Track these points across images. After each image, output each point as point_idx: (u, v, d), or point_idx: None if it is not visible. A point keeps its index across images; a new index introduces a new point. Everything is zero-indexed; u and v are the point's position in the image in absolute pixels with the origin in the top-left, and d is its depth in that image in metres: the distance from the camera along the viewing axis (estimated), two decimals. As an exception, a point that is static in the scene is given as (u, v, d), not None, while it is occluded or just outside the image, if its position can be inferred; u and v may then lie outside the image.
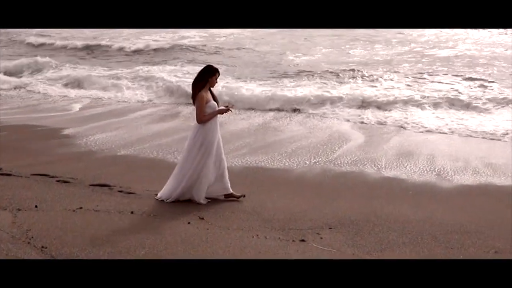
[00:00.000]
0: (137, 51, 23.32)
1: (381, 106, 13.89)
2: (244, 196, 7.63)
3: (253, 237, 6.24)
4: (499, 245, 6.26)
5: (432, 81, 16.50)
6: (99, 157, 10.01)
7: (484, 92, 15.01)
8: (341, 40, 24.63)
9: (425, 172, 9.24)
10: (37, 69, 19.50)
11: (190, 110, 14.13)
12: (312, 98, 14.38)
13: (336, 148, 10.62)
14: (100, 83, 17.26)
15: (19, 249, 5.53)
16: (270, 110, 14.04)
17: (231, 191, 7.61)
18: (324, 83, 16.64)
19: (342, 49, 22.85)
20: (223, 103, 8.28)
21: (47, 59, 20.77)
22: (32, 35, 27.49)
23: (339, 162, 9.75)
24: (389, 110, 13.59)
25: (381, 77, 17.01)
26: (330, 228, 6.65)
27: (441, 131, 12.01)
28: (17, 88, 17.52)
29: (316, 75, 17.64)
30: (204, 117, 7.30)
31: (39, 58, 20.55)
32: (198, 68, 18.71)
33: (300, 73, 18.05)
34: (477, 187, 8.56)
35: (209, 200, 7.46)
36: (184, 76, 17.74)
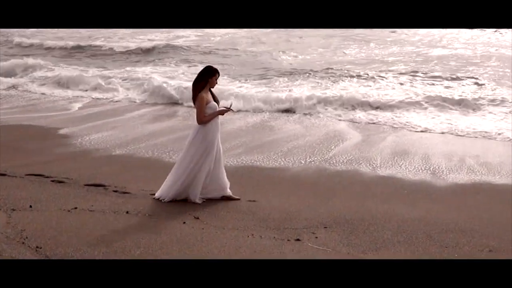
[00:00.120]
0: (130, 51, 23.20)
1: (375, 106, 13.85)
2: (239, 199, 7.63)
3: (248, 236, 6.24)
4: (493, 244, 6.28)
5: (426, 81, 16.55)
6: (94, 157, 9.99)
7: (477, 91, 15.09)
8: (335, 39, 24.68)
9: (420, 171, 9.27)
10: (28, 70, 19.39)
11: (184, 110, 14.18)
12: (306, 98, 14.33)
13: (332, 147, 10.64)
14: (90, 83, 17.15)
15: (13, 249, 5.51)
16: (265, 111, 13.97)
17: (229, 192, 7.61)
18: (318, 83, 16.66)
19: (337, 48, 22.89)
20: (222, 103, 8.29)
21: (38, 60, 20.74)
22: (21, 35, 27.36)
23: (334, 161, 9.76)
24: (383, 110, 13.57)
25: (375, 77, 17.05)
26: (325, 227, 6.66)
27: (436, 131, 12.05)
28: (11, 89, 17.45)
29: (310, 74, 17.67)
30: (204, 118, 7.29)
31: (30, 59, 20.49)
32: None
33: (294, 73, 18.06)
34: (471, 186, 8.59)
35: (204, 200, 7.45)
36: (176, 77, 17.70)
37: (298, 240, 6.21)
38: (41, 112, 14.09)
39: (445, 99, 14.08)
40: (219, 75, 7.48)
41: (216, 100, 7.46)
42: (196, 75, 7.49)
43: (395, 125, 12.53)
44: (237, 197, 7.60)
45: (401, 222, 6.87)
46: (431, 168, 9.37)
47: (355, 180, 8.80)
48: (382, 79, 16.78)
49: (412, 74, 17.41)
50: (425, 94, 14.60)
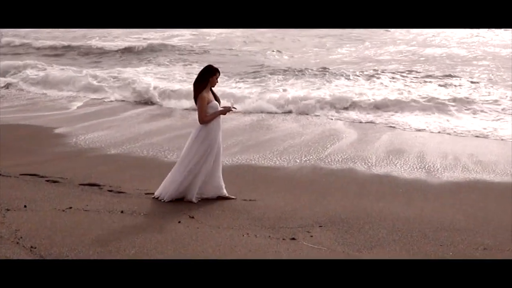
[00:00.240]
0: (121, 50, 23.14)
1: (369, 105, 13.82)
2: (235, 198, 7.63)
3: (243, 235, 6.24)
4: (488, 242, 6.30)
5: (420, 80, 16.59)
6: (89, 156, 9.97)
7: (471, 90, 15.15)
8: (330, 39, 24.70)
9: (415, 169, 9.28)
10: (19, 70, 19.29)
11: (178, 110, 14.19)
12: (300, 98, 14.31)
13: (327, 146, 10.65)
14: (80, 82, 17.08)
15: (7, 249, 5.49)
16: (261, 111, 13.92)
17: (225, 192, 7.60)
18: (312, 82, 16.68)
19: (331, 48, 22.91)
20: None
21: (31, 59, 20.71)
22: (11, 35, 27.28)
23: (330, 160, 9.77)
24: (378, 110, 13.55)
25: (368, 76, 17.06)
26: (321, 226, 6.66)
27: (430, 130, 12.08)
28: (5, 88, 17.39)
29: (304, 74, 17.68)
30: (206, 118, 7.28)
31: (20, 60, 20.46)
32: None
33: (288, 72, 18.06)
34: (466, 185, 8.61)
35: (200, 199, 7.44)
36: (168, 78, 17.69)
37: (293, 239, 6.21)
38: (36, 112, 14.06)
39: (438, 99, 14.08)
40: (219, 74, 7.47)
41: (217, 99, 7.46)
42: (196, 75, 7.48)
43: (389, 125, 12.54)
44: (232, 197, 7.60)
45: (396, 221, 6.88)
46: (426, 167, 9.39)
47: (351, 179, 8.81)
48: (376, 78, 16.79)
49: (406, 73, 17.47)
50: (419, 94, 14.64)
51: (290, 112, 13.82)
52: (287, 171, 9.19)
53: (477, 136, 11.57)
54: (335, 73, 17.62)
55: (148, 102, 15.18)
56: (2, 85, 17.61)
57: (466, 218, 7.10)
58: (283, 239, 6.19)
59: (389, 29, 25.94)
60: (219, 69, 7.54)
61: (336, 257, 5.76)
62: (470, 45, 22.93)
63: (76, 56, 23.01)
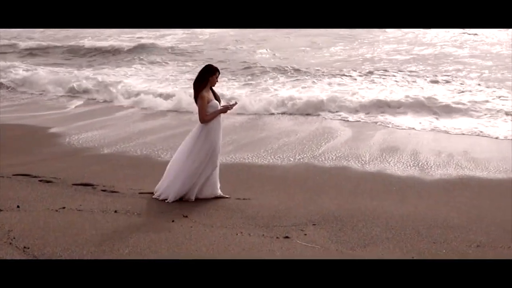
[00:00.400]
0: (111, 50, 23.03)
1: (362, 105, 13.73)
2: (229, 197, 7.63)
3: (237, 234, 6.24)
4: (481, 239, 6.32)
5: (412, 79, 16.59)
6: (83, 156, 9.95)
7: (462, 90, 15.19)
8: (325, 38, 24.69)
9: (409, 167, 9.31)
10: (5, 70, 19.18)
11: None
12: (292, 98, 14.28)
13: (322, 145, 10.67)
14: (66, 84, 17.00)
15: (0, 249, 5.46)
16: (255, 112, 13.82)
17: (220, 192, 7.61)
18: (303, 81, 16.66)
19: (323, 47, 22.90)
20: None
21: (19, 59, 20.68)
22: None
23: (324, 158, 9.78)
24: (371, 109, 13.48)
25: (362, 76, 17.06)
26: (314, 224, 6.66)
27: (423, 128, 12.11)
28: None
29: (298, 73, 17.68)
30: (206, 117, 7.27)
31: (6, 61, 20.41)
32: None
33: (279, 72, 18.05)
34: (459, 182, 8.64)
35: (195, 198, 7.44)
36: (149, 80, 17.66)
37: (287, 237, 6.21)
38: (29, 112, 14.01)
39: (431, 98, 14.07)
40: (219, 74, 7.47)
41: (217, 98, 7.45)
42: (196, 74, 7.47)
43: (383, 124, 12.56)
44: (226, 196, 7.60)
45: (390, 219, 6.89)
46: (419, 165, 9.42)
47: (344, 177, 8.83)
48: (369, 78, 16.79)
49: (398, 72, 17.44)
50: (411, 93, 14.64)
51: (283, 113, 13.71)
52: (281, 170, 9.19)
53: (469, 134, 11.61)
54: (327, 72, 17.60)
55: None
56: None
57: (459, 215, 7.12)
58: (277, 237, 6.19)
59: (382, 30, 25.98)
60: (219, 69, 7.54)
61: (329, 255, 5.76)
62: (461, 44, 23.00)
63: (65, 55, 22.90)
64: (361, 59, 20.17)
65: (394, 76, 17.07)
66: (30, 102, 15.47)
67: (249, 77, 17.52)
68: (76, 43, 24.78)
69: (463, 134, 11.66)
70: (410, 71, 17.72)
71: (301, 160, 9.73)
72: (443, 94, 14.57)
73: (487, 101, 13.80)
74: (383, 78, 16.80)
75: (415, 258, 5.78)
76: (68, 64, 21.04)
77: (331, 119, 13.09)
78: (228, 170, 8.95)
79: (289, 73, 17.80)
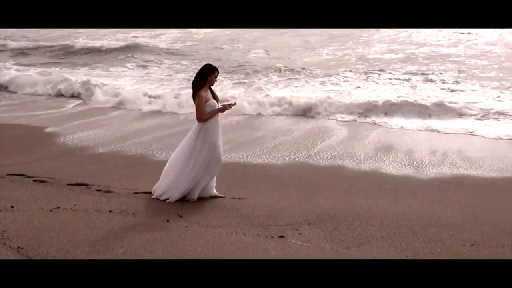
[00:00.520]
0: (103, 50, 22.87)
1: (356, 106, 13.62)
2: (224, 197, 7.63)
3: (232, 234, 6.23)
4: (475, 238, 6.34)
5: (406, 80, 16.59)
6: (77, 156, 9.92)
7: (456, 89, 15.23)
8: (316, 38, 24.71)
9: (403, 166, 9.33)
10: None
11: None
12: (286, 99, 14.23)
13: (317, 144, 10.68)
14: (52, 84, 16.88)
15: (-6, 250, 5.45)
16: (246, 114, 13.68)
17: (215, 192, 7.62)
18: (297, 80, 16.66)
19: (317, 47, 22.90)
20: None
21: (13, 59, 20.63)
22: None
23: (319, 158, 9.79)
24: (365, 111, 13.42)
25: (356, 76, 17.04)
26: (309, 223, 6.67)
27: (417, 128, 12.14)
28: None
29: (294, 73, 17.67)
30: (204, 116, 7.27)
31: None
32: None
33: (271, 72, 18.02)
34: (454, 181, 8.67)
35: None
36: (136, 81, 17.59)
37: (281, 237, 6.21)
38: (25, 111, 13.96)
39: (424, 98, 14.11)
40: (218, 73, 7.47)
41: (215, 97, 7.45)
42: (195, 73, 7.46)
43: (377, 123, 12.58)
44: (221, 195, 7.59)
45: (385, 218, 6.90)
46: (414, 164, 9.45)
47: (339, 176, 8.84)
48: (363, 78, 16.77)
49: (392, 72, 17.45)
50: (405, 93, 14.68)
51: (277, 114, 13.59)
52: (276, 169, 9.19)
53: (463, 134, 11.65)
54: (321, 72, 17.59)
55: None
56: None
57: (453, 214, 7.14)
58: (272, 237, 6.19)
59: (376, 30, 26.03)
60: (218, 68, 7.53)
61: (324, 254, 5.77)
62: (455, 43, 23.07)
63: (57, 55, 22.79)
64: (355, 59, 20.20)
65: (388, 75, 17.08)
66: (25, 102, 15.40)
67: (243, 76, 17.50)
68: (71, 42, 24.69)
69: (457, 133, 11.70)
70: (404, 71, 17.76)
71: (296, 159, 9.74)
72: (436, 94, 14.62)
73: (480, 101, 13.85)
74: (377, 78, 16.80)
75: (409, 257, 5.79)
76: (59, 64, 20.87)
77: (326, 119, 13.07)
78: (223, 169, 8.87)
79: (283, 73, 17.78)
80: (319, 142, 10.82)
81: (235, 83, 16.65)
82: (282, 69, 18.21)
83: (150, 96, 14.84)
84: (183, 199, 7.35)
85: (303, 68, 18.21)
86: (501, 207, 7.49)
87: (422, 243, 6.18)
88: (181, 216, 6.76)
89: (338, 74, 17.28)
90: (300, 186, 8.32)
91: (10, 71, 18.52)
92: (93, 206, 6.99)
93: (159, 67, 19.84)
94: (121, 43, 23.57)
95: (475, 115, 12.86)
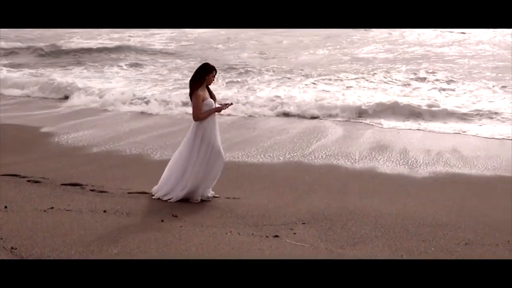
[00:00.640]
0: (96, 50, 22.83)
1: (349, 108, 13.53)
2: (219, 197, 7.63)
3: (226, 233, 6.22)
4: (469, 237, 6.36)
5: (399, 80, 16.62)
6: (71, 156, 9.89)
7: (449, 89, 15.28)
8: (311, 38, 24.74)
9: (398, 166, 9.35)
10: None
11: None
12: (279, 99, 14.23)
13: (312, 143, 10.69)
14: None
15: (-12, 250, 5.43)
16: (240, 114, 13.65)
17: (211, 193, 7.59)
18: (292, 82, 16.66)
19: (311, 47, 22.93)
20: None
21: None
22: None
23: (313, 157, 9.80)
24: (358, 112, 13.35)
25: (349, 78, 17.04)
26: (304, 223, 6.67)
27: (411, 128, 12.16)
28: None
29: (287, 73, 17.68)
30: (201, 115, 7.26)
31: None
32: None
33: (269, 72, 18.03)
34: (448, 180, 8.70)
35: (213, 197, 7.48)
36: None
37: (276, 236, 6.21)
38: (18, 111, 13.91)
39: (417, 99, 14.14)
40: (216, 72, 7.46)
41: (212, 97, 7.44)
42: (193, 72, 7.45)
43: (371, 124, 12.60)
44: (216, 195, 7.59)
45: (379, 217, 6.91)
46: (408, 163, 9.47)
47: (334, 176, 8.85)
48: (356, 80, 16.76)
49: (384, 73, 17.44)
50: (398, 94, 14.75)
51: (269, 116, 13.57)
52: (271, 168, 9.19)
53: (456, 133, 11.69)
54: (315, 73, 17.59)
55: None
56: None
57: (447, 213, 7.16)
58: (266, 236, 6.19)
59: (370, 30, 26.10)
60: (216, 68, 7.51)
61: (319, 254, 5.77)
62: (448, 43, 23.16)
63: (51, 55, 22.72)
64: (347, 59, 20.23)
65: (380, 76, 17.07)
66: (21, 102, 15.35)
67: (236, 76, 17.49)
68: (65, 42, 24.64)
69: (450, 133, 11.73)
70: (396, 71, 17.80)
71: (291, 159, 9.74)
72: (429, 94, 14.68)
73: (473, 101, 13.90)
74: (369, 78, 16.82)
75: (404, 256, 5.80)
76: (52, 64, 20.80)
77: (319, 119, 13.07)
78: (218, 169, 8.94)
79: (276, 73, 17.77)
80: (314, 142, 10.84)
81: (230, 84, 16.63)
82: (276, 69, 18.21)
83: (139, 98, 14.79)
84: (187, 200, 7.33)
85: (297, 69, 18.21)
86: (495, 206, 7.52)
87: (417, 242, 6.19)
88: (176, 216, 6.75)
89: (332, 75, 17.27)
90: (295, 186, 8.32)
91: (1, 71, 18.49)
92: (87, 206, 6.96)
93: (154, 65, 19.84)
94: (116, 43, 23.54)
95: (468, 114, 12.88)
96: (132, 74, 18.69)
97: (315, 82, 16.44)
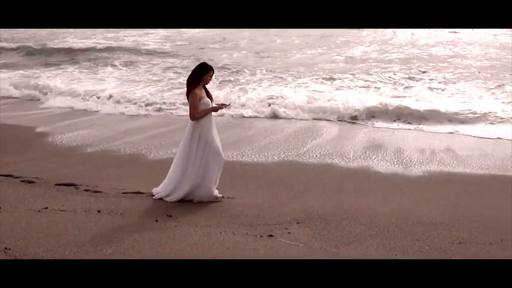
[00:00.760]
0: (86, 50, 22.69)
1: (340, 111, 13.32)
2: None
3: (221, 233, 6.23)
4: (463, 236, 6.37)
5: (392, 80, 16.63)
6: (66, 156, 9.87)
7: (440, 88, 15.32)
8: (304, 39, 24.76)
9: (393, 165, 9.36)
10: None
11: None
12: (271, 100, 14.21)
13: (307, 142, 10.70)
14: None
15: (-19, 251, 5.41)
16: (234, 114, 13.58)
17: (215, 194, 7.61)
18: (282, 79, 16.65)
19: (305, 48, 22.93)
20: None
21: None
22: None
23: (308, 156, 9.81)
24: (352, 113, 13.22)
25: (342, 79, 17.00)
26: (298, 222, 6.68)
27: (406, 128, 12.18)
28: None
29: (281, 74, 17.67)
30: (197, 114, 7.27)
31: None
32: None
33: (262, 72, 18.01)
34: (442, 179, 8.71)
35: (221, 197, 7.46)
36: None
37: (271, 236, 6.21)
38: (13, 111, 13.87)
39: (411, 99, 14.16)
40: (213, 72, 7.47)
41: (209, 96, 7.45)
42: (190, 72, 7.46)
43: (365, 124, 12.60)
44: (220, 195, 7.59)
45: (374, 216, 6.92)
46: (403, 162, 9.49)
47: (329, 175, 8.86)
48: (349, 81, 16.73)
49: (376, 75, 17.43)
50: (391, 95, 14.74)
51: (261, 117, 13.43)
52: (266, 168, 9.20)
53: (450, 133, 11.72)
54: (310, 73, 17.58)
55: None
56: None
57: (441, 212, 7.18)
58: (261, 236, 6.19)
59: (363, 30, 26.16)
60: (213, 68, 7.51)
61: (313, 253, 5.78)
62: (441, 43, 23.23)
63: (46, 55, 22.63)
64: (341, 59, 20.24)
65: (372, 76, 17.07)
66: (16, 102, 15.30)
67: (229, 75, 17.48)
68: (58, 42, 24.60)
69: (443, 132, 11.75)
70: (389, 71, 17.80)
71: (286, 158, 9.74)
72: (422, 94, 14.68)
73: (466, 101, 13.95)
74: (363, 78, 16.83)
75: (398, 255, 5.81)
76: (45, 65, 20.71)
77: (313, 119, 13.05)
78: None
79: (269, 73, 17.75)
80: (309, 141, 10.85)
81: (221, 82, 16.61)
82: (269, 69, 18.20)
83: (128, 101, 14.74)
84: (183, 200, 7.32)
85: (290, 69, 18.22)
86: (489, 205, 7.55)
87: (411, 241, 6.21)
88: (170, 216, 6.74)
89: (324, 74, 17.27)
90: (290, 185, 8.33)
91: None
92: (81, 207, 6.95)
93: (147, 65, 19.78)
94: (110, 42, 23.49)
95: (461, 114, 12.88)
96: (125, 74, 18.63)
97: (308, 82, 16.41)
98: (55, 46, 23.42)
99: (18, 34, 27.46)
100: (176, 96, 14.89)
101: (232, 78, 17.09)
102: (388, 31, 25.72)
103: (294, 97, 14.36)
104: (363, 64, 19.18)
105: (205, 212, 6.99)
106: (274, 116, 13.29)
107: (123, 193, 7.61)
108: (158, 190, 7.52)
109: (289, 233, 6.33)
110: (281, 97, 14.46)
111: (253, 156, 9.81)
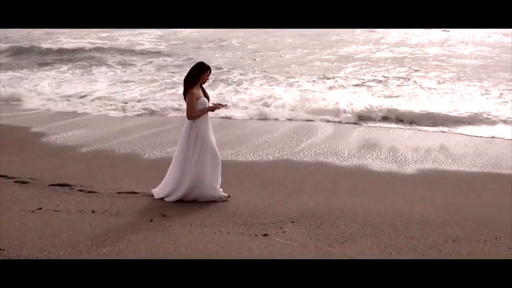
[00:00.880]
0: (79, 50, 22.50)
1: (333, 112, 13.21)
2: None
3: (215, 232, 6.23)
4: (457, 234, 6.40)
5: (386, 81, 16.64)
6: (60, 156, 9.83)
7: (434, 88, 15.37)
8: (299, 38, 24.77)
9: (387, 164, 9.38)
10: None
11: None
12: (264, 100, 14.19)
13: (302, 141, 10.71)
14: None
15: (-25, 252, 5.39)
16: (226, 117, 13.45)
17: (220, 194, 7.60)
18: (274, 79, 16.65)
19: (298, 47, 22.94)
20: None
21: None
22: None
23: (303, 155, 9.81)
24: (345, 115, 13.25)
25: (335, 80, 17.00)
26: (293, 221, 6.68)
27: (400, 127, 12.21)
28: None
29: (275, 74, 17.66)
30: (194, 113, 7.27)
31: None
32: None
33: (256, 72, 18.00)
34: (436, 178, 8.74)
35: (227, 196, 7.45)
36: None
37: (265, 235, 6.22)
38: (8, 111, 13.82)
39: (404, 99, 14.18)
40: (210, 72, 7.47)
41: (206, 96, 7.46)
42: (188, 71, 7.46)
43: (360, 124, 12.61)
44: (226, 194, 7.59)
45: (368, 215, 6.94)
46: (397, 161, 9.51)
47: (323, 174, 8.86)
48: (342, 81, 16.74)
49: (369, 75, 17.45)
50: (386, 95, 14.76)
51: (255, 118, 13.30)
52: (261, 167, 9.19)
53: (445, 132, 11.75)
54: (305, 73, 17.57)
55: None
56: None
57: (436, 210, 7.20)
58: (256, 235, 6.19)
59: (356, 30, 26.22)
60: (210, 67, 7.52)
61: (308, 252, 5.78)
62: (435, 42, 23.29)
63: (42, 56, 22.52)
64: (335, 58, 20.26)
65: (364, 77, 17.10)
66: (3, 103, 15.23)
67: (225, 76, 17.46)
68: (52, 42, 24.49)
69: (437, 131, 11.78)
70: (383, 70, 17.84)
71: (281, 157, 9.75)
72: (415, 93, 14.70)
73: (460, 100, 13.99)
74: (357, 77, 16.85)
75: (393, 253, 5.83)
76: (38, 66, 20.65)
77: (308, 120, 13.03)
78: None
79: (261, 73, 17.74)
80: (303, 140, 10.86)
81: (214, 81, 16.58)
82: (262, 68, 18.20)
83: (120, 102, 14.67)
84: (194, 200, 7.33)
85: (284, 68, 18.22)
86: (483, 203, 7.57)
87: (405, 239, 6.22)
88: (165, 216, 6.74)
89: (317, 74, 17.28)
90: (284, 184, 8.33)
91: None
92: (75, 207, 6.94)
93: (141, 65, 19.73)
94: (104, 42, 23.42)
95: (455, 113, 12.91)
96: (118, 74, 18.56)
97: (301, 81, 16.40)
98: (48, 46, 23.29)
99: (12, 33, 27.33)
100: (167, 97, 14.85)
101: (223, 77, 17.08)
102: (381, 30, 25.78)
103: (286, 97, 14.33)
104: (356, 63, 19.20)
105: (200, 211, 6.98)
106: (265, 118, 13.15)
107: (118, 193, 7.60)
108: (158, 191, 7.51)
109: (283, 232, 6.34)
110: (274, 96, 14.43)
111: (248, 155, 9.82)
